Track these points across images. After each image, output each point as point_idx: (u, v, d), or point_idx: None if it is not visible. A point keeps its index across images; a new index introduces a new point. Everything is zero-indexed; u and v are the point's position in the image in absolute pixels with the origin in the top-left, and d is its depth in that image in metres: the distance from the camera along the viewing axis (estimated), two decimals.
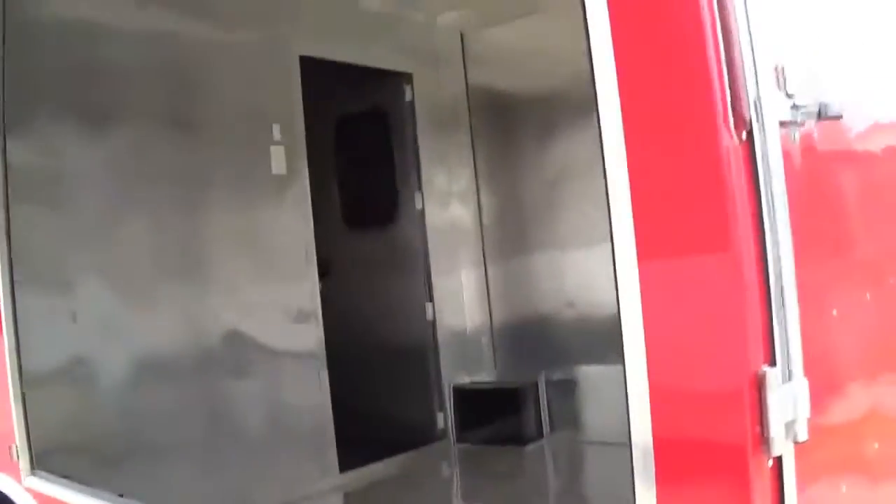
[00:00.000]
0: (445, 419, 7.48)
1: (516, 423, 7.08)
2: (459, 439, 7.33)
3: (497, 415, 7.20)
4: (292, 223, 6.44)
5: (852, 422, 2.59)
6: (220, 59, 5.98)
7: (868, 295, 2.81)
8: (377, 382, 7.29)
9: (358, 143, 7.47)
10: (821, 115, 2.37)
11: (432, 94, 7.56)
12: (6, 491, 5.05)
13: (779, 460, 2.12)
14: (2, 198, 4.84)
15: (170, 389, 5.58)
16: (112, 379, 5.38)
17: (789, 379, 2.08)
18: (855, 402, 2.63)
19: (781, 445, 2.09)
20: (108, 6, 5.38)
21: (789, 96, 2.28)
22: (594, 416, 6.88)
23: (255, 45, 6.24)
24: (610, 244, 2.31)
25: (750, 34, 2.15)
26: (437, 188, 7.67)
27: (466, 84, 7.65)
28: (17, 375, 4.89)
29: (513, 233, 7.57)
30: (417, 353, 7.54)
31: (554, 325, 7.32)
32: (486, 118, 7.69)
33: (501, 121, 7.64)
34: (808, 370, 2.16)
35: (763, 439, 2.06)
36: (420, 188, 7.48)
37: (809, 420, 2.14)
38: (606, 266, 2.48)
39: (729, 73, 2.06)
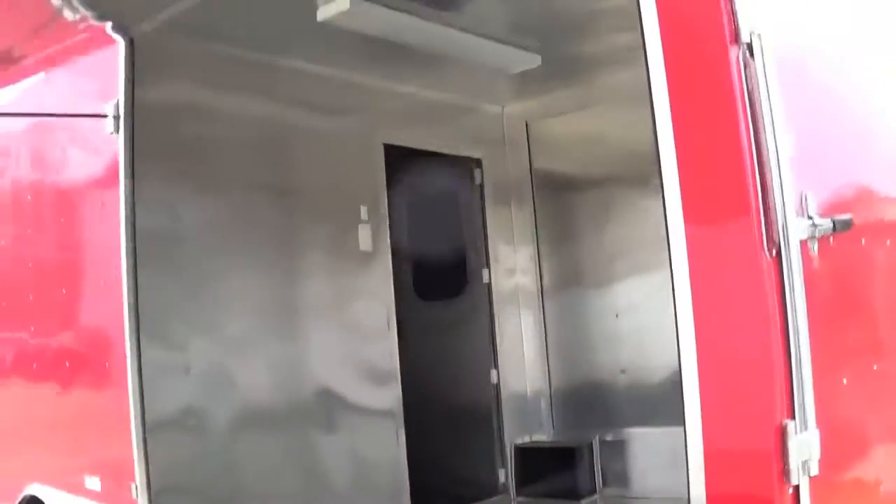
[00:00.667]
0: (506, 475, 8.03)
1: (571, 479, 7.56)
2: (519, 493, 7.86)
3: (554, 471, 7.69)
4: (376, 294, 7.14)
5: (859, 464, 3.36)
6: (316, 142, 6.77)
7: (875, 366, 3.59)
8: (446, 440, 7.74)
9: (432, 220, 8.09)
10: (835, 228, 3.14)
11: (499, 176, 8.28)
12: None
13: (797, 488, 2.86)
14: (131, 260, 5.47)
15: (267, 439, 6.23)
16: (217, 427, 6.01)
17: (805, 429, 2.85)
18: (862, 448, 3.41)
19: (798, 477, 2.84)
20: (224, 95, 6.18)
21: (810, 218, 3.06)
22: (643, 473, 7.40)
23: (346, 133, 7.01)
24: (655, 316, 3.09)
25: (780, 171, 2.94)
26: (503, 263, 8.33)
27: (530, 168, 8.33)
28: (139, 422, 5.45)
29: (571, 303, 8.20)
30: (482, 413, 8.13)
31: (607, 389, 7.88)
32: (548, 198, 8.36)
33: (562, 201, 8.31)
34: (821, 423, 2.94)
35: (785, 472, 2.83)
36: (487, 264, 8.17)
37: (821, 460, 2.91)
38: (656, 337, 3.23)
39: (763, 206, 2.85)
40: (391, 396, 7.15)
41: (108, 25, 5.50)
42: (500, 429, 8.22)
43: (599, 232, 8.05)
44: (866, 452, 3.47)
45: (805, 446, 2.87)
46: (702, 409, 3.03)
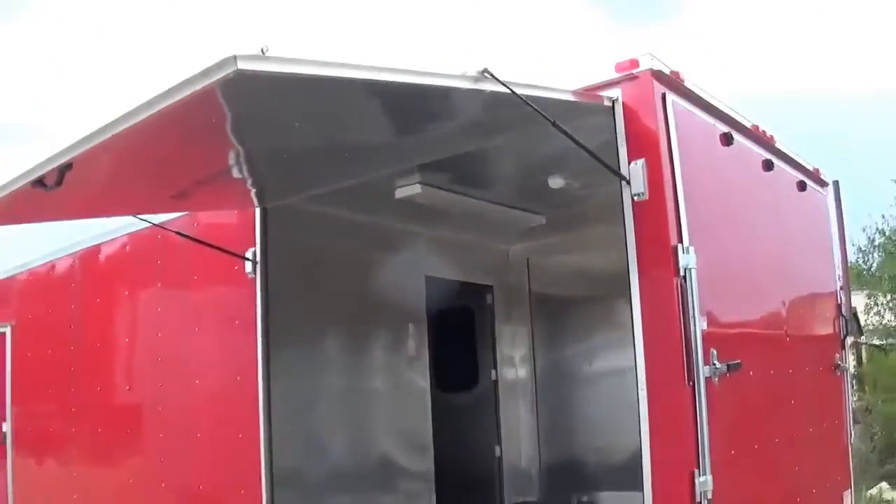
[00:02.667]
0: None
1: None
2: None
3: None
4: (418, 386, 9.59)
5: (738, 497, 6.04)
6: (383, 272, 9.09)
7: (756, 445, 6.37)
8: (461, 499, 9.72)
9: (454, 332, 10.26)
10: (729, 370, 5.86)
11: (506, 298, 10.60)
12: None
13: None
14: (265, 366, 7.74)
15: (345, 491, 8.68)
16: (316, 481, 8.40)
17: (704, 475, 5.48)
18: (740, 488, 6.08)
19: (702, 498, 5.45)
20: (328, 242, 8.69)
21: (714, 364, 5.79)
22: None
23: (402, 265, 9.29)
24: (623, 409, 5.74)
25: (696, 340, 5.62)
26: (506, 362, 10.65)
27: (530, 292, 10.70)
28: (269, 473, 7.62)
29: (558, 395, 10.48)
30: (488, 478, 10.33)
31: (584, 462, 10.09)
32: (543, 314, 10.75)
33: (552, 317, 10.72)
34: (715, 473, 5.59)
35: (692, 497, 5.47)
36: (494, 365, 10.48)
37: (713, 490, 5.53)
38: (624, 425, 5.85)
39: (686, 358, 5.55)
40: (426, 464, 9.40)
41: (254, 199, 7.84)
42: (501, 490, 10.39)
43: (580, 340, 10.45)
44: (741, 489, 6.14)
45: (705, 484, 5.48)
46: (652, 476, 5.57)
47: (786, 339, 7.31)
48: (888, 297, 24.28)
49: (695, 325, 5.60)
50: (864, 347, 24.07)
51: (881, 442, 19.41)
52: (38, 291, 11.47)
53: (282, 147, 6.62)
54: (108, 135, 4.86)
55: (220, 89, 4.41)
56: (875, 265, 26.17)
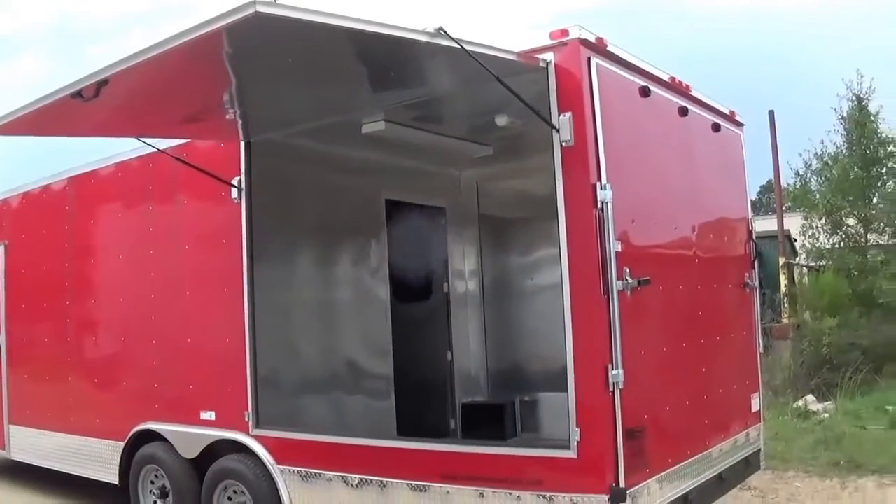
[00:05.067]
0: (455, 423, 11.14)
1: (500, 427, 10.17)
2: (464, 436, 10.57)
3: (488, 421, 10.36)
4: (379, 297, 10.75)
5: (644, 386, 7.30)
6: (350, 195, 10.44)
7: (664, 348, 7.75)
8: (417, 399, 10.56)
9: (411, 249, 11.07)
10: (640, 284, 7.19)
11: (457, 219, 11.66)
12: (242, 440, 8.91)
13: (613, 394, 6.85)
14: (250, 270, 8.95)
15: (315, 392, 9.90)
16: (291, 381, 9.57)
17: (616, 368, 6.82)
18: (643, 380, 7.39)
19: (614, 389, 6.86)
20: (301, 169, 9.86)
21: (627, 280, 7.09)
22: (547, 422, 10.43)
23: (365, 189, 10.63)
24: (558, 319, 6.99)
25: (612, 259, 6.89)
26: (457, 276, 11.71)
27: (478, 212, 11.75)
28: (253, 373, 8.86)
29: (503, 307, 11.60)
30: (441, 380, 11.37)
31: (525, 366, 11.24)
32: (490, 233, 11.78)
33: (499, 234, 11.79)
34: (626, 367, 6.94)
35: (607, 386, 6.84)
36: (447, 279, 11.58)
37: (624, 382, 6.87)
38: (559, 332, 7.09)
39: (603, 274, 6.84)
40: (387, 366, 10.55)
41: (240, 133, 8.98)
42: (453, 391, 11.45)
43: (524, 255, 11.54)
44: (649, 382, 7.45)
45: (617, 376, 6.79)
46: (574, 369, 6.88)
47: (695, 259, 8.57)
48: (822, 220, 25.30)
49: (610, 248, 6.87)
50: (795, 268, 25.39)
51: (809, 357, 20.34)
52: (32, 213, 12.47)
53: (271, 88, 7.80)
54: (143, 59, 6.07)
55: (236, 29, 5.53)
56: (813, 188, 27.10)
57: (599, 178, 6.96)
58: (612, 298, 6.90)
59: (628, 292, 7.09)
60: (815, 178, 26.55)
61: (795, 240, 27.24)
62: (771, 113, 26.08)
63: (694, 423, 8.32)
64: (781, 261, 24.70)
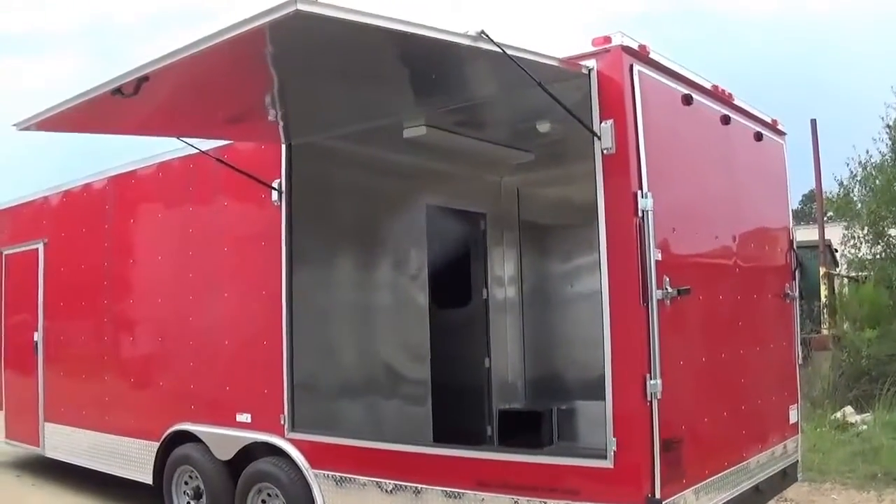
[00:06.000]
0: (492, 430, 11.06)
1: (537, 434, 10.21)
2: (500, 443, 10.50)
3: (525, 429, 10.34)
4: (418, 302, 10.68)
5: (683, 397, 7.24)
6: (390, 199, 10.46)
7: (703, 358, 7.68)
8: (454, 405, 10.50)
9: (451, 254, 11.20)
10: (679, 294, 7.16)
11: (498, 225, 11.63)
12: (277, 443, 8.89)
13: (651, 404, 6.76)
14: (289, 277, 8.93)
15: (353, 396, 9.83)
16: (327, 385, 9.54)
17: (654, 378, 6.75)
18: (684, 390, 7.36)
19: (652, 399, 6.74)
20: (342, 173, 9.85)
21: (666, 289, 7.08)
22: (585, 431, 10.37)
23: (405, 194, 10.58)
24: (598, 326, 6.91)
25: (652, 267, 6.84)
26: (496, 283, 11.69)
27: (519, 219, 11.72)
28: (290, 376, 8.86)
29: (543, 314, 11.54)
30: (478, 387, 11.35)
31: (564, 373, 11.18)
32: (530, 239, 11.76)
33: (539, 241, 11.75)
34: (665, 376, 6.88)
35: (645, 396, 6.78)
36: (486, 285, 11.54)
37: (662, 392, 6.80)
38: (598, 339, 7.02)
39: (642, 284, 6.80)
40: (424, 371, 10.49)
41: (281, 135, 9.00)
42: (490, 398, 11.39)
43: (564, 262, 11.49)
44: (688, 393, 7.40)
45: (655, 386, 6.72)
46: (612, 379, 6.85)
47: (735, 269, 8.49)
48: (865, 231, 24.77)
49: (650, 256, 6.82)
50: (836, 279, 25.13)
51: (848, 369, 20.02)
52: (72, 211, 12.51)
53: (312, 89, 7.79)
54: (184, 55, 6.08)
55: (276, 27, 5.55)
56: (856, 198, 26.74)
57: (640, 187, 6.91)
58: (652, 307, 6.86)
59: (668, 301, 7.05)
60: (859, 187, 26.14)
61: (836, 250, 26.96)
62: (813, 122, 25.95)
63: (732, 433, 8.24)
64: (822, 271, 24.48)
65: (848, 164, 25.84)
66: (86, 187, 12.25)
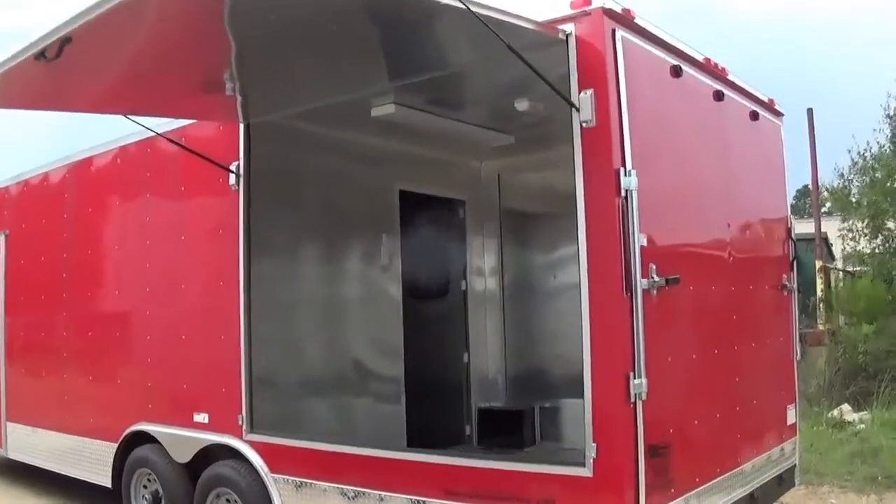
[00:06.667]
0: (471, 429, 10.60)
1: (518, 434, 9.84)
2: (479, 443, 10.16)
3: (505, 428, 9.98)
4: (391, 295, 10.06)
5: (669, 397, 6.55)
6: (358, 185, 9.74)
7: (694, 356, 6.95)
8: (431, 401, 10.00)
9: (427, 244, 10.51)
10: (667, 283, 6.43)
11: (477, 213, 11.01)
12: (235, 445, 8.33)
13: (635, 405, 6.06)
14: (246, 264, 8.30)
15: (317, 394, 9.20)
16: (291, 383, 8.90)
17: (638, 377, 6.05)
18: (670, 390, 6.62)
19: (636, 400, 6.07)
20: (304, 156, 9.17)
21: (653, 278, 6.35)
22: (568, 430, 9.81)
23: (376, 179, 9.95)
24: (579, 319, 6.23)
25: (636, 255, 6.14)
26: (476, 274, 11.07)
27: (499, 206, 11.12)
28: (248, 374, 8.25)
29: (524, 306, 10.93)
30: (456, 384, 10.74)
31: (546, 369, 10.56)
32: (512, 228, 11.15)
33: (521, 230, 11.14)
34: (650, 376, 6.16)
35: (628, 398, 6.06)
36: (465, 276, 10.92)
37: (648, 392, 6.09)
38: (580, 335, 6.35)
39: (625, 272, 6.09)
40: (398, 368, 9.89)
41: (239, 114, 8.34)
42: (468, 395, 10.85)
43: (547, 252, 10.85)
44: (676, 393, 6.71)
45: (640, 386, 6.02)
46: (592, 378, 6.15)
47: (729, 257, 7.78)
48: (865, 223, 24.30)
49: (634, 241, 6.10)
50: (832, 272, 24.53)
51: (845, 365, 19.49)
52: (31, 201, 11.96)
53: (270, 59, 7.11)
54: (107, 7, 5.30)
55: None
56: (855, 190, 26.25)
57: (624, 164, 6.21)
58: (636, 298, 6.14)
59: (654, 292, 6.35)
60: (857, 178, 25.57)
61: (831, 243, 26.36)
62: (809, 111, 25.22)
63: (725, 437, 7.56)
64: (818, 264, 23.84)
65: (850, 152, 25.29)
66: (45, 176, 11.67)
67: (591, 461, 6.10)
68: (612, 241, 6.16)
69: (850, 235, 24.60)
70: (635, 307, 6.14)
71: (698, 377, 7.17)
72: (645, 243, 6.26)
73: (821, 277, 24.00)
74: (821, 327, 22.39)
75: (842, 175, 26.32)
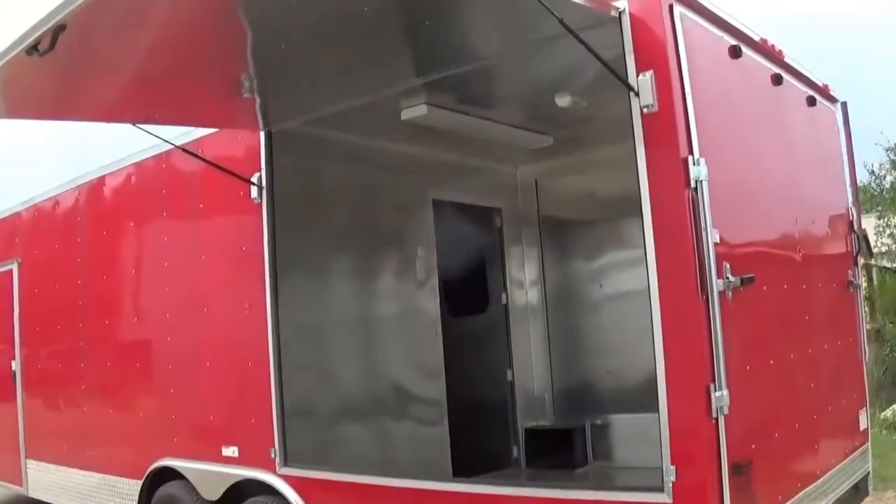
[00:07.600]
0: (518, 451, 9.95)
1: (569, 454, 9.17)
2: (528, 466, 9.53)
3: (555, 448, 9.33)
4: (428, 311, 9.47)
5: (753, 409, 5.94)
6: (388, 195, 9.21)
7: (771, 361, 6.30)
8: (475, 423, 9.48)
9: (463, 256, 10.06)
10: (743, 283, 5.79)
11: (515, 221, 10.46)
12: (268, 481, 7.81)
13: (717, 420, 5.41)
14: (273, 287, 7.79)
15: (354, 419, 8.66)
16: (326, 411, 8.36)
17: (720, 389, 5.42)
18: (755, 401, 6.00)
19: (718, 414, 5.39)
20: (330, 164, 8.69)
21: (728, 278, 5.71)
22: (622, 449, 9.23)
23: (407, 188, 9.41)
24: (633, 330, 5.64)
25: (709, 253, 5.53)
26: (516, 287, 10.49)
27: (538, 214, 10.50)
28: (279, 402, 7.74)
29: (570, 318, 10.30)
30: (501, 403, 10.18)
31: (596, 385, 9.93)
32: (552, 236, 10.52)
33: (562, 238, 10.52)
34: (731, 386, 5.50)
35: (709, 412, 5.43)
36: (505, 289, 10.35)
37: (730, 405, 5.44)
38: (634, 347, 5.74)
39: (699, 272, 5.47)
40: (438, 389, 9.33)
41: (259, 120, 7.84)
42: (514, 415, 10.23)
43: (591, 260, 10.23)
44: (757, 404, 6.07)
45: (721, 398, 5.39)
46: (667, 392, 5.47)
47: (798, 254, 7.17)
48: None
49: (708, 238, 5.49)
50: (873, 269, 23.92)
51: (892, 364, 19.17)
52: (43, 226, 11.47)
53: (290, 53, 6.55)
54: None
55: None
56: (889, 186, 25.77)
57: (691, 151, 5.59)
58: (713, 301, 5.50)
59: (729, 293, 5.70)
60: (889, 172, 25.04)
61: (871, 241, 25.80)
62: (843, 105, 24.48)
63: (804, 448, 6.96)
64: (861, 261, 23.19)
65: (878, 145, 24.74)
66: (56, 199, 11.19)
67: (671, 485, 5.46)
68: (683, 238, 5.52)
69: (889, 232, 24.08)
70: (712, 311, 5.50)
71: (777, 385, 6.54)
72: (717, 240, 5.63)
73: (864, 275, 23.35)
74: (867, 326, 21.75)
75: (872, 172, 25.76)
